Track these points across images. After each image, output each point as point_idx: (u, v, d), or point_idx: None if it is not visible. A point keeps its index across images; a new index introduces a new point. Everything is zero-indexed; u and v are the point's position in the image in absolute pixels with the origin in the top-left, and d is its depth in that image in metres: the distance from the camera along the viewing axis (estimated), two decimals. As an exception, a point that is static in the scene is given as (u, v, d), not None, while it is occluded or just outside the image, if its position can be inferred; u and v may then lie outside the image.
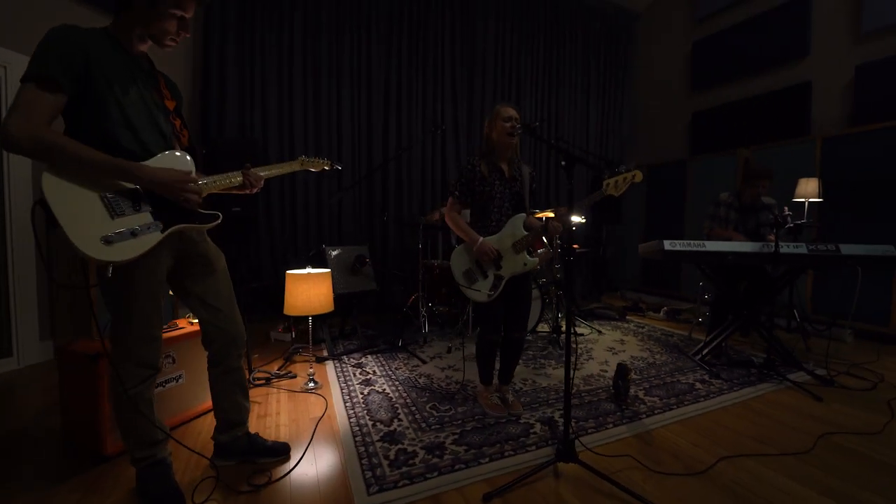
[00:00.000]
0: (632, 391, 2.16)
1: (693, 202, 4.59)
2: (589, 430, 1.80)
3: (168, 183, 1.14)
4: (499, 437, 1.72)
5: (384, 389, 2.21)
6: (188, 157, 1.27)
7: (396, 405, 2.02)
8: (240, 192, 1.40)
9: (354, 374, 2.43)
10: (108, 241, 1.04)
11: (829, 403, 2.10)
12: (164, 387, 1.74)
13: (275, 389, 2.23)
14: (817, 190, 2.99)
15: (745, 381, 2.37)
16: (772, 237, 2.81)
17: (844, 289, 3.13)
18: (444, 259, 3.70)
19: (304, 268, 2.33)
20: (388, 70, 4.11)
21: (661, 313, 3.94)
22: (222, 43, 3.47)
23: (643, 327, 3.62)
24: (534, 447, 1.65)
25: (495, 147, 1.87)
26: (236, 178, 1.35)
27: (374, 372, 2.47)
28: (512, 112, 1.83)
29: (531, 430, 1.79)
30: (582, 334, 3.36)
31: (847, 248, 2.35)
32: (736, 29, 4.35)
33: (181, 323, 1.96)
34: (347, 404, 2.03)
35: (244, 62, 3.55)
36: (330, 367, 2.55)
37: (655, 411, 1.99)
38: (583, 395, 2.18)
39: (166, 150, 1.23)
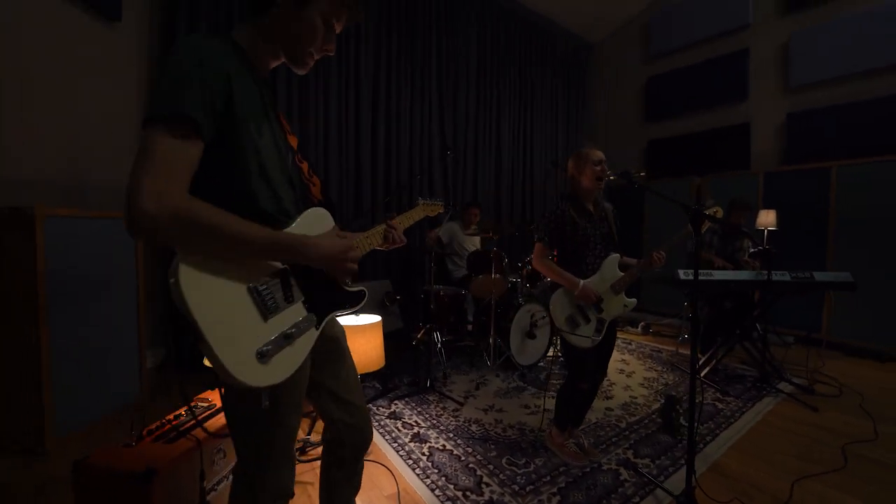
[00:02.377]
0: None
1: (650, 224, 5.07)
2: (669, 469, 1.85)
3: (334, 256, 0.87)
4: (599, 492, 1.67)
5: (443, 445, 2.03)
6: (330, 215, 1.00)
7: (470, 465, 1.86)
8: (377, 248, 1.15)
9: (398, 429, 2.19)
10: (262, 355, 0.75)
11: (823, 412, 2.45)
12: (216, 490, 1.37)
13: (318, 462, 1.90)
14: (775, 220, 3.50)
15: (749, 396, 2.65)
16: (747, 261, 3.24)
17: (784, 303, 3.70)
18: (439, 283, 3.56)
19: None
20: (377, 80, 3.85)
21: (639, 328, 4.27)
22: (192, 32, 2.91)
23: (630, 343, 3.88)
24: (638, 498, 1.64)
25: (582, 191, 1.83)
26: (378, 235, 1.10)
27: (418, 423, 2.26)
28: (601, 155, 1.81)
29: (620, 478, 1.78)
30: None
31: (819, 276, 2.77)
32: (686, 70, 4.92)
33: (216, 398, 1.57)
34: (416, 471, 1.81)
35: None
36: (364, 421, 2.27)
37: (707, 438, 2.12)
38: (634, 427, 2.24)
39: (303, 207, 0.96)
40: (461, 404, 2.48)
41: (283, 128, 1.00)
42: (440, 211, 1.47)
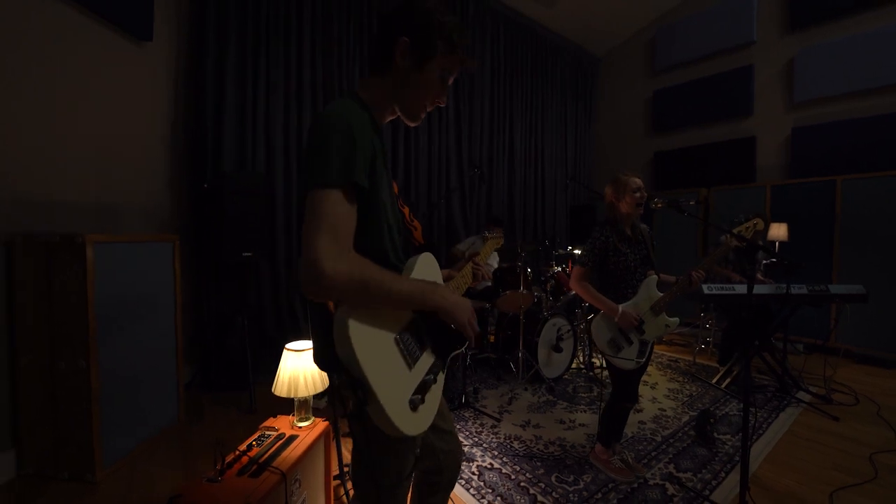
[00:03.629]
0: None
1: (660, 234, 5.18)
2: (713, 483, 1.92)
3: (464, 310, 0.90)
4: (651, 508, 1.74)
5: (490, 464, 2.07)
6: (435, 260, 1.05)
7: (522, 483, 1.91)
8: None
9: (442, 447, 2.22)
10: (413, 404, 0.80)
11: (844, 422, 2.55)
12: (291, 519, 1.39)
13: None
14: (787, 233, 3.63)
15: (772, 407, 2.75)
16: (759, 276, 3.35)
17: (795, 313, 3.83)
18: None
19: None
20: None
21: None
22: (220, 57, 2.92)
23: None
24: (690, 514, 1.71)
25: (622, 216, 1.90)
26: (469, 275, 1.15)
27: (462, 441, 2.29)
28: (640, 182, 1.88)
29: (668, 493, 1.84)
30: (601, 366, 3.56)
31: (834, 288, 2.89)
32: (692, 84, 5.07)
33: (281, 426, 1.60)
34: (471, 491, 1.85)
35: (245, 79, 3.03)
36: (407, 440, 2.30)
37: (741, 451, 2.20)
38: (670, 441, 2.31)
39: (411, 254, 1.00)
40: (498, 420, 2.52)
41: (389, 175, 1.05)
42: (502, 242, 1.53)
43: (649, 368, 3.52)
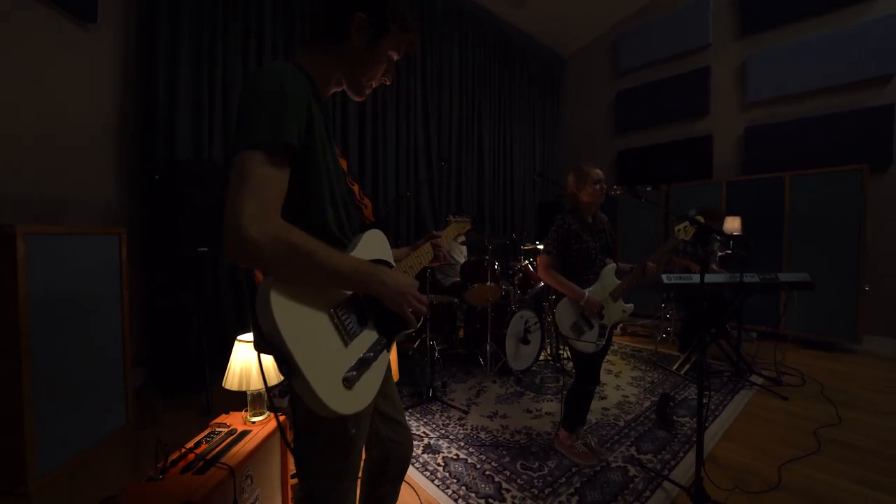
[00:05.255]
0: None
1: (624, 230, 5.34)
2: (672, 462, 1.97)
3: (406, 292, 0.86)
4: (613, 489, 1.76)
5: (456, 454, 2.05)
6: (385, 238, 1.01)
7: (487, 472, 1.90)
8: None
9: (409, 440, 2.19)
10: (348, 381, 0.76)
11: (792, 401, 2.69)
12: (244, 517, 1.32)
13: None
14: (740, 226, 3.81)
15: (728, 390, 2.86)
16: (714, 266, 3.50)
17: (748, 301, 4.03)
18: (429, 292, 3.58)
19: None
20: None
21: (618, 329, 4.49)
22: (173, 40, 2.77)
23: (612, 345, 4.06)
24: (649, 492, 1.75)
25: (583, 205, 1.93)
26: (428, 254, 1.12)
27: (427, 433, 2.27)
28: (600, 174, 1.92)
29: (629, 474, 1.87)
30: (568, 358, 3.62)
31: (783, 276, 3.05)
32: (653, 85, 5.26)
33: (233, 422, 1.52)
34: (436, 482, 1.83)
35: (201, 64, 2.89)
36: (372, 435, 2.25)
37: (698, 432, 2.28)
38: (633, 425, 2.36)
39: (358, 230, 0.96)
40: (466, 412, 2.51)
41: (334, 148, 1.01)
42: (468, 227, 1.51)
43: (613, 358, 3.61)
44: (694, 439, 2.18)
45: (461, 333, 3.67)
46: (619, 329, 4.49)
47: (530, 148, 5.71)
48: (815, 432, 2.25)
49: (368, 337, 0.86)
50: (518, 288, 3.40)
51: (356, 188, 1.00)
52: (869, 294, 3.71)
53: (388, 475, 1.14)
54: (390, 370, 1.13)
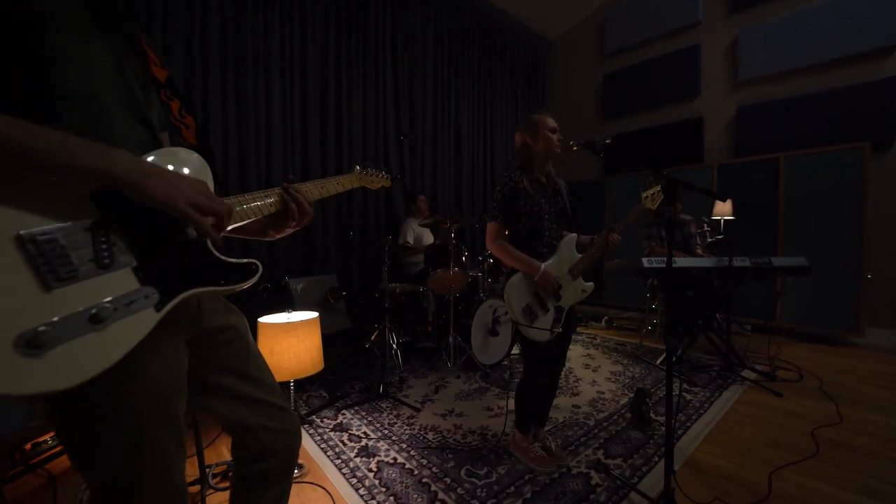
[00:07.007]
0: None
1: (612, 218, 5.06)
2: (643, 469, 1.69)
3: (177, 189, 0.60)
4: (568, 500, 1.48)
5: (394, 458, 1.77)
6: (204, 161, 0.74)
7: (424, 479, 1.61)
8: (272, 236, 0.89)
9: (343, 443, 1.90)
10: (30, 343, 0.48)
11: (788, 398, 2.40)
12: (82, 540, 1.04)
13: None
14: (731, 209, 3.53)
15: (716, 386, 2.58)
16: (698, 250, 3.22)
17: (741, 291, 3.74)
18: (395, 280, 3.30)
19: (273, 312, 1.75)
20: (326, 72, 3.57)
21: (603, 322, 4.20)
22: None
23: (594, 338, 3.78)
24: (611, 505, 1.46)
25: (537, 160, 1.65)
26: (271, 200, 0.83)
27: (367, 434, 1.98)
28: (554, 122, 1.65)
29: (591, 483, 1.59)
30: (547, 351, 3.33)
31: (776, 261, 2.76)
32: (641, 67, 4.98)
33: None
34: (361, 491, 1.54)
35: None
36: (304, 437, 1.96)
37: (679, 431, 1.99)
38: (604, 424, 2.08)
39: (160, 149, 0.70)
40: (417, 410, 2.22)
41: (147, 57, 0.74)
42: (386, 185, 1.23)
43: (594, 352, 3.32)
44: (674, 441, 1.90)
45: (429, 328, 3.38)
46: (603, 322, 4.20)
47: (513, 133, 5.42)
48: (813, 433, 1.96)
49: (113, 284, 0.57)
50: (488, 275, 3.12)
51: (175, 104, 0.76)
52: (871, 282, 3.42)
53: (271, 475, 0.87)
54: (247, 342, 0.86)
